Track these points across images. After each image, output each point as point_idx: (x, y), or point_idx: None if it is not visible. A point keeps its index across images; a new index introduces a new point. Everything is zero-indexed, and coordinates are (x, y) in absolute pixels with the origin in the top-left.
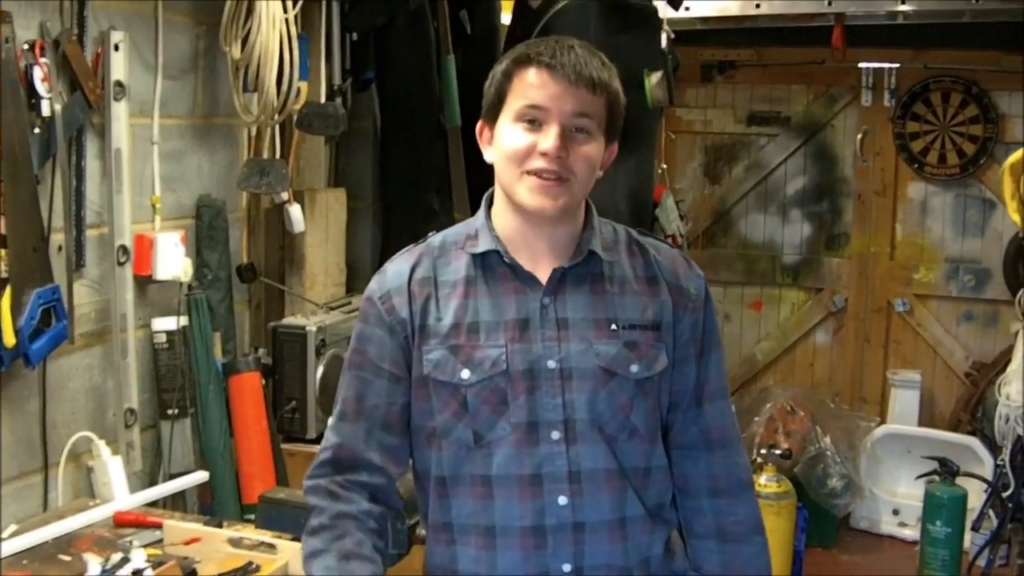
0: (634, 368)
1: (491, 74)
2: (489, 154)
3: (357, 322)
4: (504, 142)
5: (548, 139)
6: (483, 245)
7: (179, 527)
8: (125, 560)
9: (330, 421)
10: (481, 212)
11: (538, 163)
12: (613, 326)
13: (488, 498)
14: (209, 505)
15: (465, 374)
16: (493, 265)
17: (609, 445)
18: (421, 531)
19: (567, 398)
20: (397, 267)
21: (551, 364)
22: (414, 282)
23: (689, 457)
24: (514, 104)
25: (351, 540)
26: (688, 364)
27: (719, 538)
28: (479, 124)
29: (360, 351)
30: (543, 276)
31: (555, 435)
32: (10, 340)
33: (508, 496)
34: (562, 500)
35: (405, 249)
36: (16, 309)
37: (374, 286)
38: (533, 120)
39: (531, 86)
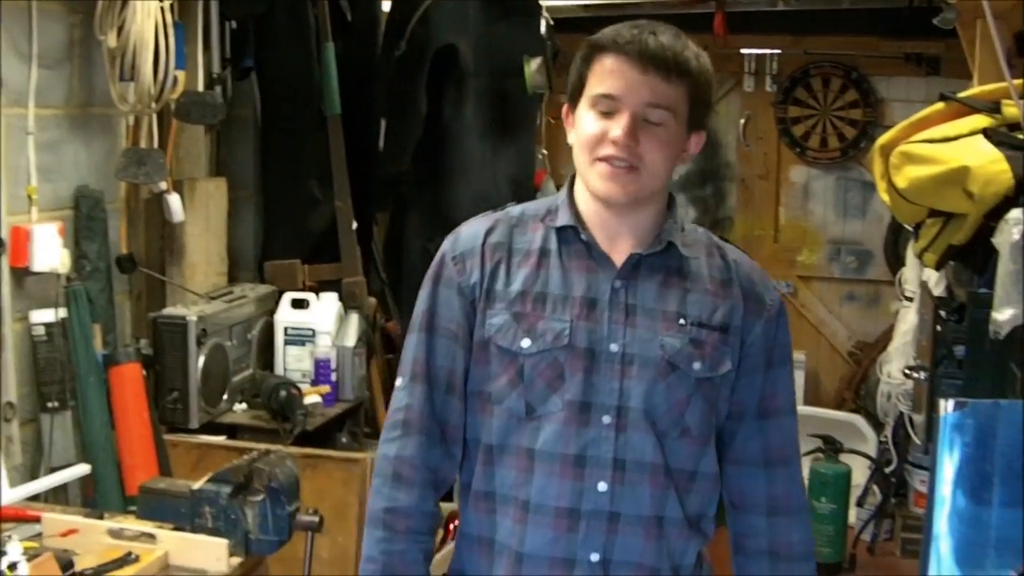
0: (696, 366)
1: (574, 57)
2: (570, 137)
3: (426, 282)
4: (579, 128)
5: (618, 127)
6: (562, 220)
7: (58, 519)
8: (1, 553)
9: (398, 382)
10: (564, 189)
11: (608, 150)
12: (681, 320)
13: (530, 472)
14: (92, 498)
15: (525, 343)
16: (569, 240)
17: (659, 440)
18: (303, 517)
19: (624, 384)
20: (472, 230)
21: (614, 347)
22: (487, 246)
23: (748, 473)
24: (591, 91)
25: (399, 549)
26: (755, 375)
27: (771, 559)
28: (564, 108)
29: (429, 312)
30: (618, 259)
31: (606, 419)
32: None
33: (549, 473)
34: (602, 486)
35: (482, 214)
36: None
37: (447, 247)
38: (607, 108)
39: (607, 73)
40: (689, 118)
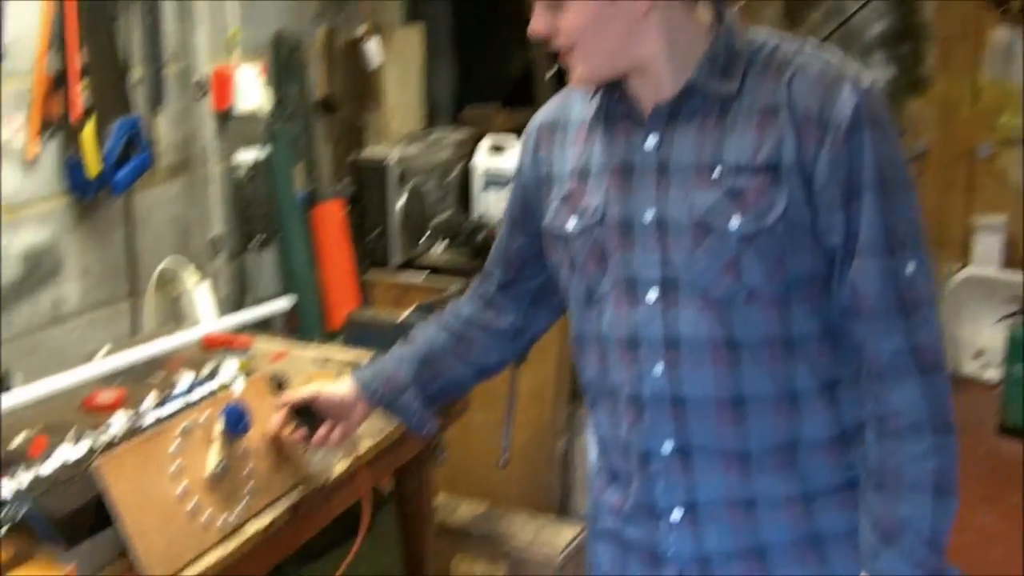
0: (735, 222)
1: None
2: None
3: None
4: None
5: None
6: (609, 85)
7: (267, 345)
8: (215, 373)
9: None
10: None
11: None
12: (716, 171)
13: (601, 360)
14: (295, 332)
15: (571, 224)
16: (615, 104)
17: (718, 311)
18: None
19: (665, 256)
20: (547, 107)
21: (647, 216)
22: (543, 127)
23: (847, 328)
24: None
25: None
26: (833, 212)
27: (878, 429)
28: None
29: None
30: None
31: (651, 296)
32: (95, 169)
33: (616, 360)
34: (657, 370)
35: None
36: (100, 139)
37: (530, 122)
38: None
39: None
40: None
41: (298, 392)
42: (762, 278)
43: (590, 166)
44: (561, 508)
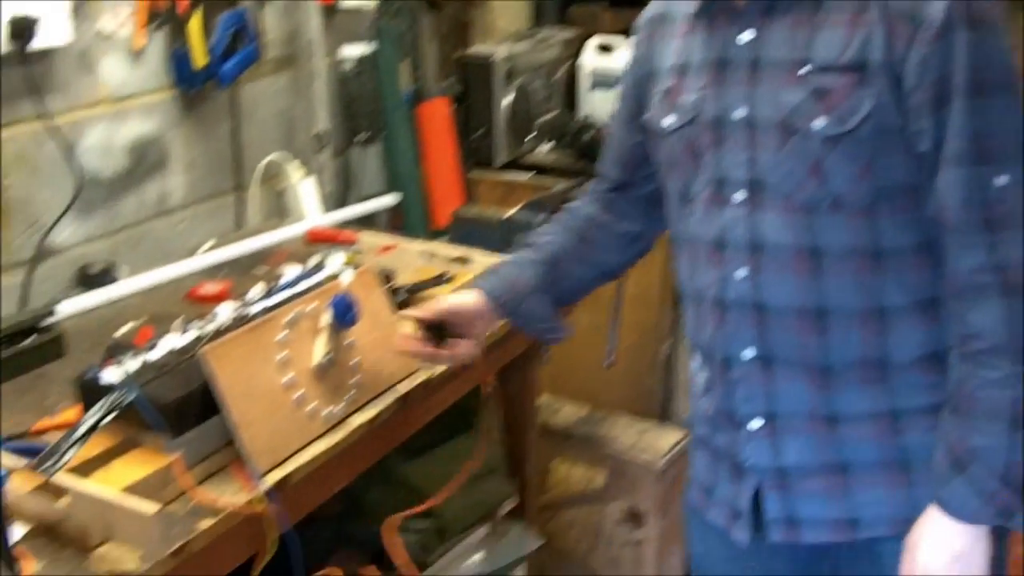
0: (818, 123)
1: None
2: None
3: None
4: None
5: None
6: None
7: (374, 238)
8: (322, 264)
9: None
10: None
11: None
12: (805, 68)
13: (692, 260)
14: (399, 229)
15: (668, 120)
16: None
17: (802, 217)
18: None
19: (752, 156)
20: (655, 1)
21: (738, 114)
22: (648, 21)
23: (942, 243)
24: None
25: (543, 229)
26: (922, 116)
27: (959, 351)
28: None
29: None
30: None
31: (738, 197)
32: (201, 60)
33: (703, 261)
34: (740, 273)
35: None
36: (206, 31)
37: (639, 16)
38: None
39: None
40: None
41: (426, 306)
42: (848, 184)
43: (689, 62)
44: (663, 413)
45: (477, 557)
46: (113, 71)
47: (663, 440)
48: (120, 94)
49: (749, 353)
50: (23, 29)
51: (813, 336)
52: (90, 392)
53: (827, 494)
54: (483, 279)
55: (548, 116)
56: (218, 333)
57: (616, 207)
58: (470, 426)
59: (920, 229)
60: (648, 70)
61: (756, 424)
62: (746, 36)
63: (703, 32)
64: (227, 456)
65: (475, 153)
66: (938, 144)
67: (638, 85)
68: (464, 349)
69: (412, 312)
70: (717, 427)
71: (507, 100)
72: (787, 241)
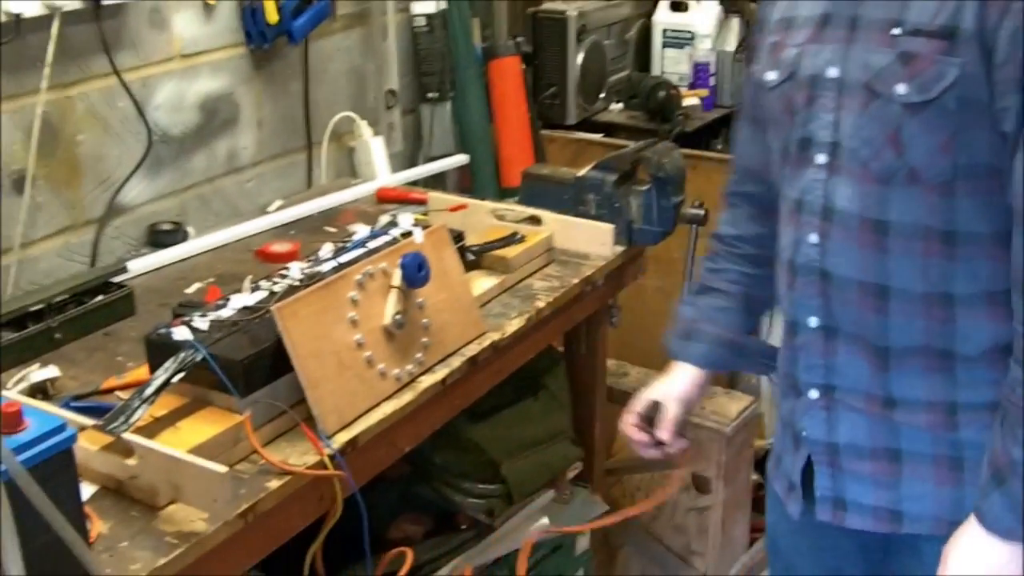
0: (900, 88)
1: None
2: None
3: None
4: None
5: None
6: None
7: (444, 198)
8: (393, 223)
9: None
10: None
11: None
12: (896, 30)
13: (781, 220)
14: (469, 189)
15: (770, 75)
16: None
17: (877, 187)
18: (689, 209)
19: (838, 116)
20: None
21: (831, 72)
22: None
23: (1016, 233)
24: None
25: (712, 267)
26: (1009, 93)
27: (1016, 351)
28: None
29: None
30: None
31: (820, 159)
32: (273, 16)
33: (785, 222)
34: (812, 238)
35: None
36: None
37: None
38: None
39: None
40: None
41: (643, 398)
42: (926, 157)
43: (796, 15)
44: (731, 379)
45: (542, 522)
46: (185, 27)
47: (731, 406)
48: (191, 50)
49: (813, 321)
50: None
51: (873, 313)
52: (159, 350)
53: (875, 480)
54: (685, 349)
55: (620, 74)
56: (290, 291)
57: (769, 215)
58: (537, 389)
59: (1000, 215)
60: (762, 24)
61: (814, 394)
62: None
63: None
64: (296, 415)
65: (546, 112)
66: (1021, 125)
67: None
68: (679, 445)
69: (631, 404)
70: (784, 393)
71: (579, 58)
72: (855, 210)
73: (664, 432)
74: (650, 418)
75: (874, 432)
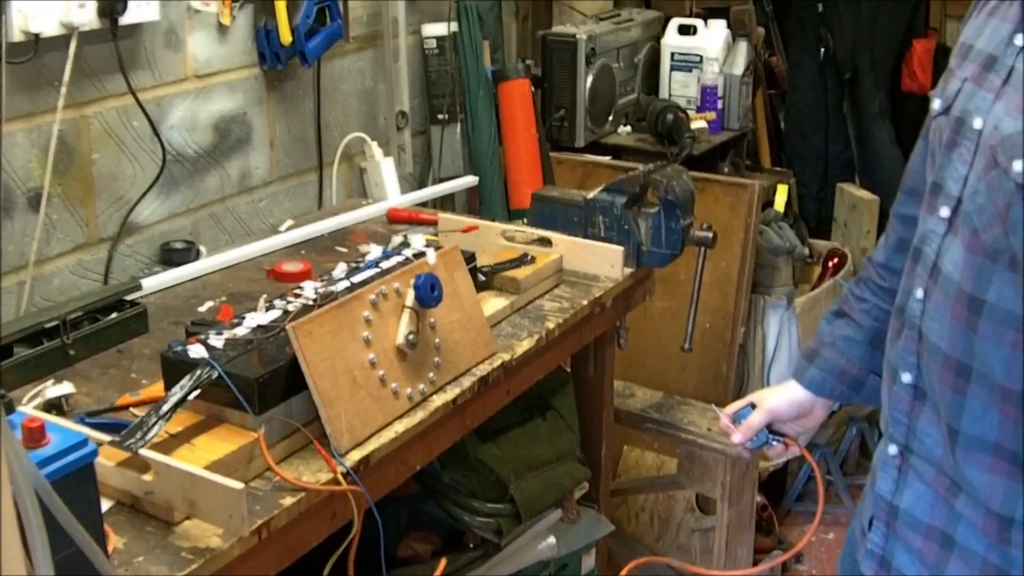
0: (1018, 165)
1: None
2: None
3: None
4: None
5: None
6: None
7: (454, 219)
8: (405, 244)
9: None
10: None
11: None
12: None
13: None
14: (477, 210)
15: (935, 103)
16: None
17: (982, 259)
18: (697, 232)
19: (967, 173)
20: None
21: (976, 123)
22: None
23: None
24: None
25: (855, 292)
26: None
27: None
28: None
29: None
30: None
31: (944, 212)
32: (287, 38)
33: (906, 265)
34: (919, 293)
35: None
36: (292, 8)
37: None
38: None
39: None
40: None
41: (747, 397)
42: None
43: (972, 45)
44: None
45: (549, 541)
46: (200, 48)
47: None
48: (206, 71)
49: (907, 377)
50: (113, 4)
51: (951, 391)
52: (175, 368)
53: (923, 558)
54: (802, 370)
55: (629, 97)
56: (304, 310)
57: None
58: (546, 410)
59: None
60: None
61: (892, 450)
62: (1021, 39)
63: (999, 18)
64: (310, 434)
65: (555, 134)
66: None
67: None
68: (774, 452)
69: (729, 408)
70: (881, 435)
71: (588, 81)
72: (957, 278)
73: (736, 434)
74: (743, 416)
75: (935, 510)
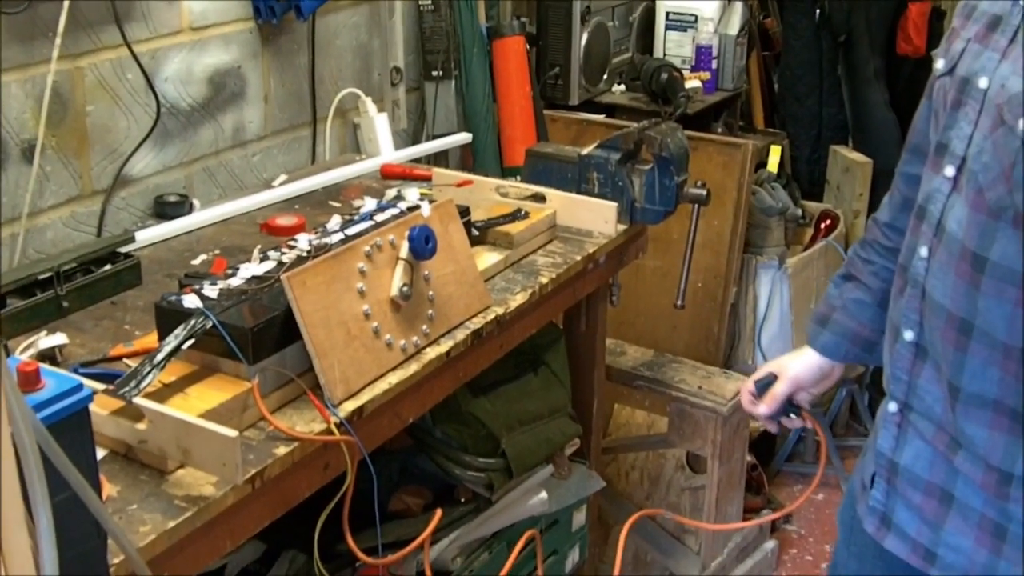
0: (1023, 123)
1: None
2: None
3: None
4: None
5: None
6: None
7: (449, 174)
8: (399, 198)
9: None
10: None
11: None
12: None
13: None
14: (471, 167)
15: (938, 63)
16: None
17: (986, 218)
18: (691, 189)
19: (972, 133)
20: None
21: (981, 82)
22: None
23: None
24: None
25: (861, 255)
26: None
27: None
28: None
29: None
30: None
31: (949, 171)
32: None
33: (910, 224)
34: (923, 251)
35: None
36: None
37: None
38: None
39: None
40: None
41: (763, 367)
42: None
43: (976, 6)
44: (727, 360)
45: (540, 496)
46: (194, 0)
47: (727, 386)
48: (201, 23)
49: (909, 335)
50: None
51: (952, 348)
52: (169, 318)
53: (921, 514)
54: (816, 336)
55: (623, 56)
56: (299, 261)
57: None
58: (538, 365)
59: None
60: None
61: (893, 407)
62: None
63: None
64: (303, 384)
65: (549, 92)
66: None
67: None
68: (790, 424)
69: (751, 378)
70: (883, 391)
71: (583, 39)
72: (960, 236)
73: (762, 406)
74: (766, 387)
75: (934, 467)
